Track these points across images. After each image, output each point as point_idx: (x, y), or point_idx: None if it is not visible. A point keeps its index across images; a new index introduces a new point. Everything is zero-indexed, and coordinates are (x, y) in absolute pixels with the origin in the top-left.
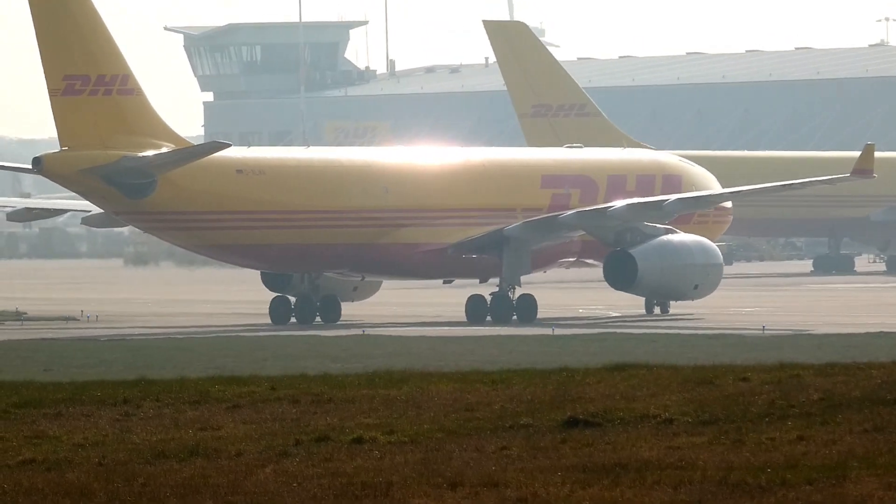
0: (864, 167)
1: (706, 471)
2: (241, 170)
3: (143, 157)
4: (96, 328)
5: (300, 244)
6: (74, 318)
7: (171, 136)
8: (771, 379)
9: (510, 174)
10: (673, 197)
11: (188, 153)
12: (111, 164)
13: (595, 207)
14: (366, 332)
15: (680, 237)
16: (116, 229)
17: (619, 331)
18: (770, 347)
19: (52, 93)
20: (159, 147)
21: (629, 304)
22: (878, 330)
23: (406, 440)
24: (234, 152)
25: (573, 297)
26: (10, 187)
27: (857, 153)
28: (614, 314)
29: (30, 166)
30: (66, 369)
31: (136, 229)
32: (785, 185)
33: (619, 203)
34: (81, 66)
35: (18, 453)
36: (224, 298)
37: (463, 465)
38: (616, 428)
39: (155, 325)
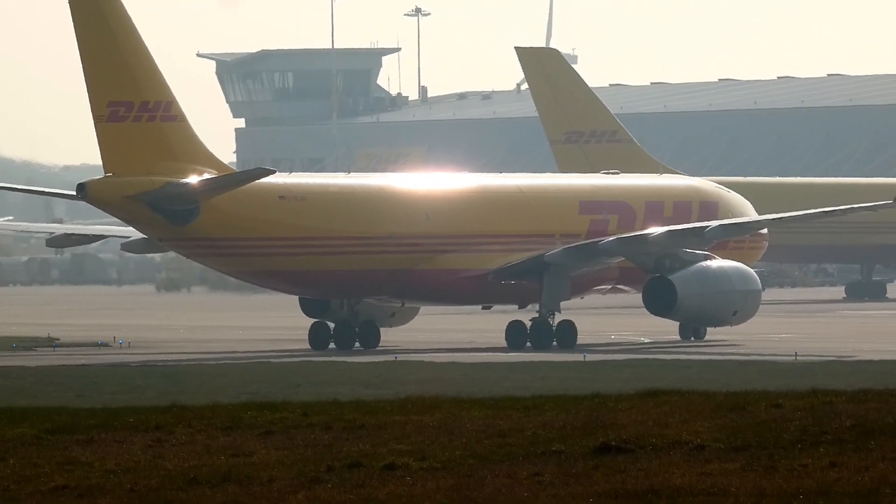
0: None
1: (738, 497)
2: (284, 196)
3: (187, 183)
4: (129, 354)
5: (342, 270)
6: (107, 344)
7: (213, 162)
8: (803, 405)
9: (549, 200)
10: (714, 223)
11: (232, 179)
12: (155, 190)
13: (635, 234)
14: (398, 358)
15: (719, 263)
16: (149, 255)
17: (651, 357)
18: (802, 374)
19: (97, 119)
20: (202, 173)
21: (661, 329)
22: None
23: (438, 466)
24: (277, 178)
25: (606, 322)
26: (44, 213)
27: (891, 180)
28: (646, 340)
29: (72, 192)
30: (99, 395)
31: (169, 255)
32: (827, 211)
33: (659, 229)
34: (125, 93)
35: (51, 479)
36: (257, 324)
37: (495, 492)
38: (648, 454)
39: (187, 351)
